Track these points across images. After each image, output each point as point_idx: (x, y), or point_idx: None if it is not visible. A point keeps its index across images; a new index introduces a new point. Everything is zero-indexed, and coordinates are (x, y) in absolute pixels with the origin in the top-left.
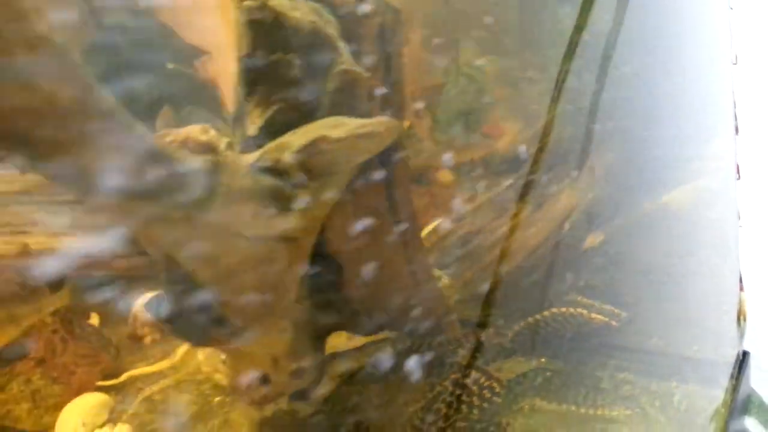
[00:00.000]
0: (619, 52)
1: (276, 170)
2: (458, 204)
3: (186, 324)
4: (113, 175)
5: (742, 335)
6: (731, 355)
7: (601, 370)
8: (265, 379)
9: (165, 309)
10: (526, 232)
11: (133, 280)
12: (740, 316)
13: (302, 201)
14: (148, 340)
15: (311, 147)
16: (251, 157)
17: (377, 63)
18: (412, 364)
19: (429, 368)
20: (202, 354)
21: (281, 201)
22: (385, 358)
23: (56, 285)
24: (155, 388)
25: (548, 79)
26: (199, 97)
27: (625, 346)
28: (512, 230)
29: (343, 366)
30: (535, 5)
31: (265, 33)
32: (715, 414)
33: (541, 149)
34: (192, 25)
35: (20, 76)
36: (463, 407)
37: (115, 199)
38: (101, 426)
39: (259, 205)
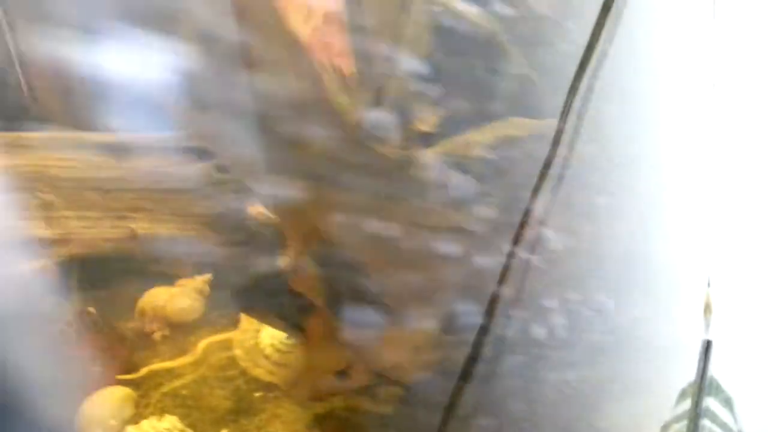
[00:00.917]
0: None
1: (461, 165)
2: None
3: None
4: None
5: (707, 326)
6: (698, 344)
7: None
8: (343, 374)
9: None
10: None
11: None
12: (706, 309)
13: (484, 196)
14: (157, 336)
15: (497, 144)
16: (432, 152)
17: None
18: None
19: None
20: (240, 349)
21: (462, 194)
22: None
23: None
24: (177, 383)
25: None
26: None
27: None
28: None
29: None
30: None
31: (446, 36)
32: (686, 392)
33: None
34: None
35: None
36: None
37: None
38: (130, 420)
39: (440, 197)
